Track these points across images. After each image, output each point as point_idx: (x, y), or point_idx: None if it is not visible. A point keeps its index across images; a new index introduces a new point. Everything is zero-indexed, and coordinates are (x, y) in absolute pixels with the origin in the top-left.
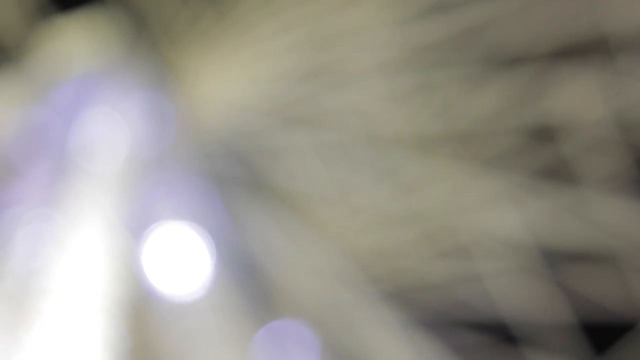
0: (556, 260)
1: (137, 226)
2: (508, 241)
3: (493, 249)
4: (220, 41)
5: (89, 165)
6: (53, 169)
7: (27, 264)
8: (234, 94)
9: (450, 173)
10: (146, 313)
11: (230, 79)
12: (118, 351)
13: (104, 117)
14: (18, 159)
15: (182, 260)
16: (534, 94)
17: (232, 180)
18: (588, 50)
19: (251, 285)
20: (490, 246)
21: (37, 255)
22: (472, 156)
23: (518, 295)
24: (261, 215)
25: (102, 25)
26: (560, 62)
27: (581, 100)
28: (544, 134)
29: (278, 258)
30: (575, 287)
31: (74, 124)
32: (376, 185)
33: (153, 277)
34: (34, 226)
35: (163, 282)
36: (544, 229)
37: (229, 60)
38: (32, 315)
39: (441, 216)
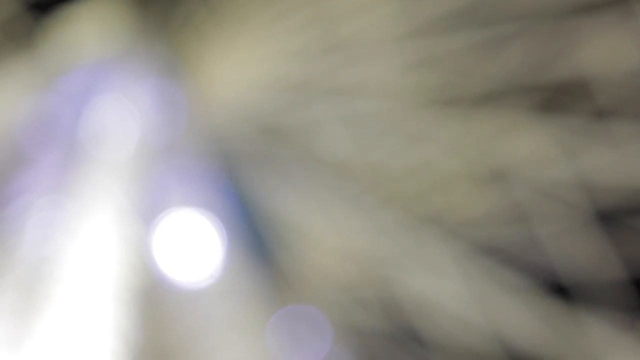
0: (607, 216)
1: (148, 213)
2: (558, 195)
3: (544, 203)
4: (230, 24)
5: (99, 152)
6: (64, 156)
7: (38, 251)
8: (245, 76)
9: (483, 133)
10: (158, 300)
11: (240, 61)
12: (130, 338)
13: (114, 104)
14: (29, 146)
15: (194, 247)
16: (565, 48)
17: (246, 159)
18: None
19: (264, 271)
20: (541, 200)
21: (49, 242)
22: (504, 115)
23: (571, 250)
24: (276, 194)
25: (113, 12)
26: (588, 15)
27: (612, 52)
28: (578, 89)
29: (291, 240)
30: (627, 243)
31: (85, 111)
32: (407, 151)
33: (165, 264)
34: (45, 213)
35: (175, 269)
36: (591, 183)
37: (239, 43)
38: (44, 302)
39: (481, 175)
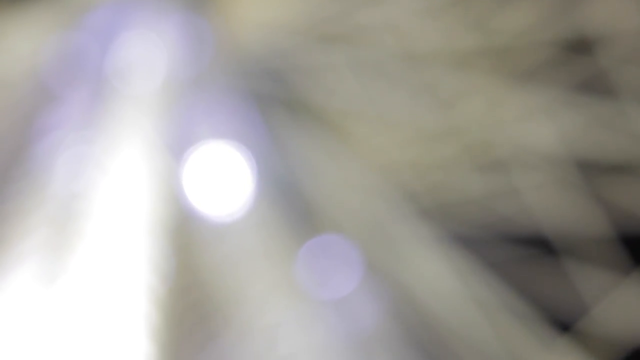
0: (593, 173)
1: (177, 147)
2: (545, 154)
3: (530, 162)
4: None
5: (127, 87)
6: (92, 92)
7: (69, 187)
8: (271, 12)
9: (487, 87)
10: (189, 233)
11: None
12: (163, 271)
13: (141, 39)
14: (56, 84)
15: (223, 179)
16: (570, 5)
17: (270, 99)
18: None
19: (292, 203)
20: (527, 159)
21: (79, 178)
22: (509, 70)
23: (556, 208)
24: (300, 133)
25: None
26: None
27: (618, 10)
28: (580, 46)
29: (317, 174)
30: (612, 199)
31: (111, 47)
32: (413, 101)
33: (195, 197)
34: (75, 150)
35: (205, 202)
36: (581, 141)
37: None
38: (76, 237)
39: (479, 130)
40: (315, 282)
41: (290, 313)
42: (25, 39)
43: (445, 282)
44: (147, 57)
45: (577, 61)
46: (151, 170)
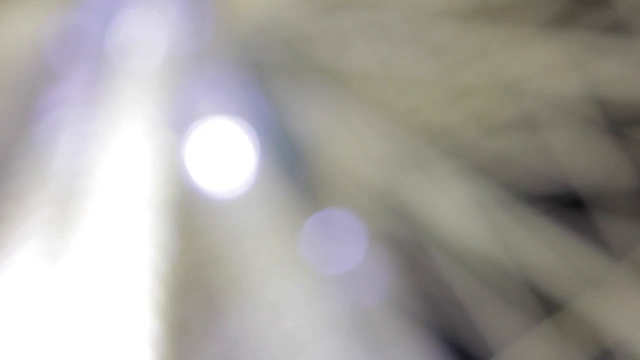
0: (621, 124)
1: (179, 123)
2: (572, 106)
3: (557, 115)
4: None
5: (128, 65)
6: (93, 70)
7: (71, 165)
8: None
9: (505, 41)
10: (192, 210)
11: None
12: (167, 248)
13: (141, 16)
14: (57, 62)
15: (226, 156)
16: None
17: (274, 69)
18: None
19: (297, 177)
20: (554, 113)
21: (81, 156)
22: (527, 21)
23: (584, 162)
24: (306, 102)
25: None
26: None
27: None
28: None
29: (324, 146)
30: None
31: (112, 24)
32: (429, 60)
33: (197, 174)
34: (77, 128)
35: (208, 178)
36: (608, 92)
37: None
38: (79, 215)
39: (500, 86)
40: (320, 256)
41: (296, 288)
42: (27, 18)
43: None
44: (148, 34)
45: (596, 11)
46: (153, 147)
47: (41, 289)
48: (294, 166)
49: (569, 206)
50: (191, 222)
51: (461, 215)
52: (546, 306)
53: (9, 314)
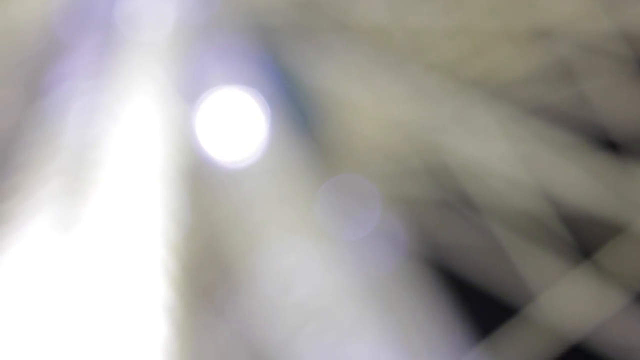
0: None
1: (190, 93)
2: (603, 50)
3: (590, 60)
4: None
5: (138, 35)
6: (102, 41)
7: (82, 136)
8: None
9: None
10: (204, 179)
11: None
12: (179, 218)
13: None
14: (66, 33)
15: (238, 124)
16: None
17: (285, 33)
18: None
19: (310, 142)
20: (587, 57)
21: (92, 127)
22: None
23: (618, 105)
24: (318, 66)
25: None
26: None
27: None
28: None
29: (337, 110)
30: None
31: None
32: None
33: (209, 143)
34: (87, 99)
35: (219, 147)
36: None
37: None
38: (91, 186)
39: (523, 34)
40: (333, 223)
41: (310, 255)
42: None
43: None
44: (157, 3)
45: None
46: (164, 117)
47: (54, 259)
48: (306, 132)
49: (604, 150)
50: (203, 192)
51: (497, 163)
52: (584, 247)
53: (22, 283)
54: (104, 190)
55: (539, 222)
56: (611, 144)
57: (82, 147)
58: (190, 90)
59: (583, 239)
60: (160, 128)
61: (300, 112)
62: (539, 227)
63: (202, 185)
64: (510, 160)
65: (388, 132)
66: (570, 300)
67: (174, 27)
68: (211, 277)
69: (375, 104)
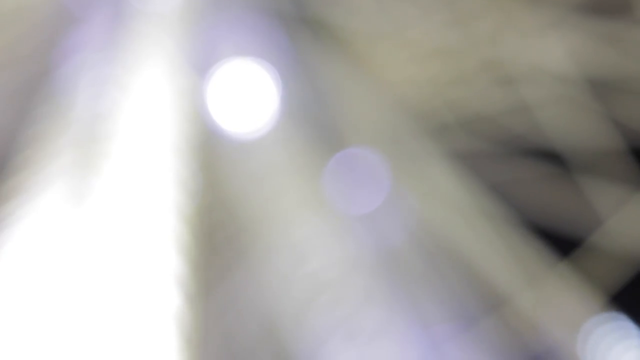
0: (602, 89)
1: (200, 65)
2: (556, 71)
3: (542, 79)
4: None
5: (148, 6)
6: (113, 13)
7: (93, 108)
8: None
9: (499, 5)
10: (214, 151)
11: None
12: (190, 188)
13: None
14: (77, 5)
15: (248, 96)
16: None
17: (293, 15)
18: None
19: (318, 118)
20: (539, 76)
21: (103, 99)
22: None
23: (568, 124)
24: (322, 49)
25: None
26: None
27: None
28: None
29: (340, 90)
30: (622, 115)
31: None
32: (427, 18)
33: (219, 115)
34: (98, 71)
35: (229, 119)
36: (589, 58)
37: None
38: (103, 158)
39: (492, 47)
40: (343, 196)
41: (319, 228)
42: None
43: (455, 196)
44: None
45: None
46: (175, 89)
47: (67, 231)
48: (314, 107)
49: (553, 167)
50: (214, 163)
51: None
52: None
53: (39, 253)
54: (115, 162)
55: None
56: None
57: (93, 119)
58: (201, 62)
59: None
60: (171, 100)
61: (309, 85)
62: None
63: (213, 157)
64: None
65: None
66: (636, 223)
67: None
68: (222, 248)
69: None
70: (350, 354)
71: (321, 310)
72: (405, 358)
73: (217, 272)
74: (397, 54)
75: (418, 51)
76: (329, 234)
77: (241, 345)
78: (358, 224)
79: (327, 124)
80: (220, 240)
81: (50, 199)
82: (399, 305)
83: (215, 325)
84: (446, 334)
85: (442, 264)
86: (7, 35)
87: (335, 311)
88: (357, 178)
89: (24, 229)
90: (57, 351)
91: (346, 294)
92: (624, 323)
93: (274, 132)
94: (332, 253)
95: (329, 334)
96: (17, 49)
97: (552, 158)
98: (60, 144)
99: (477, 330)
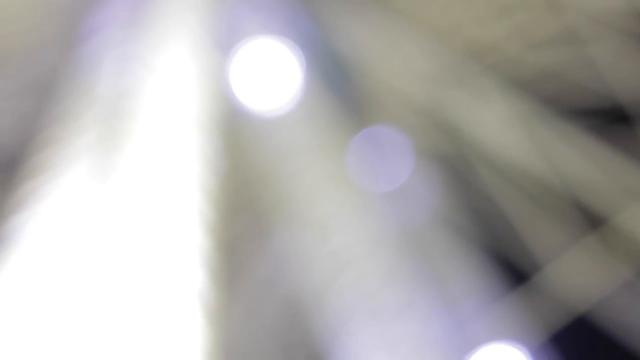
0: None
1: (225, 42)
2: (614, 19)
3: (600, 29)
4: None
5: None
6: None
7: (116, 86)
8: None
9: None
10: (238, 129)
11: None
12: (215, 166)
13: None
14: None
15: (272, 74)
16: None
17: None
18: None
19: (343, 94)
20: (597, 27)
21: (127, 76)
22: None
23: (629, 75)
24: (351, 19)
25: None
26: None
27: None
28: None
29: (370, 62)
30: None
31: None
32: None
33: (243, 93)
34: (122, 48)
35: (254, 97)
36: None
37: None
38: (126, 135)
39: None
40: (367, 173)
41: (343, 205)
42: None
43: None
44: None
45: None
46: (199, 66)
47: (92, 207)
48: (339, 83)
49: (613, 121)
50: (238, 141)
51: (505, 130)
52: (590, 220)
53: (64, 229)
54: (140, 139)
55: (548, 189)
56: (619, 114)
57: (118, 96)
58: (225, 40)
59: (590, 211)
60: (195, 77)
61: (333, 62)
62: (548, 194)
63: (236, 134)
64: (513, 127)
65: (415, 86)
66: (577, 271)
67: None
68: (246, 224)
69: (404, 59)
70: (374, 332)
71: (345, 287)
72: (429, 336)
73: (241, 249)
74: (437, 16)
75: (466, 11)
76: (352, 211)
77: (264, 322)
78: (382, 201)
79: (353, 99)
80: (245, 218)
81: (75, 176)
82: (423, 283)
83: (239, 302)
84: (469, 312)
85: (465, 242)
86: (34, 15)
87: (359, 288)
88: (381, 155)
89: (49, 206)
90: (80, 326)
91: (370, 272)
92: None
93: (298, 110)
94: (356, 230)
95: (352, 312)
96: (43, 28)
97: (611, 111)
98: (85, 121)
99: (500, 308)
